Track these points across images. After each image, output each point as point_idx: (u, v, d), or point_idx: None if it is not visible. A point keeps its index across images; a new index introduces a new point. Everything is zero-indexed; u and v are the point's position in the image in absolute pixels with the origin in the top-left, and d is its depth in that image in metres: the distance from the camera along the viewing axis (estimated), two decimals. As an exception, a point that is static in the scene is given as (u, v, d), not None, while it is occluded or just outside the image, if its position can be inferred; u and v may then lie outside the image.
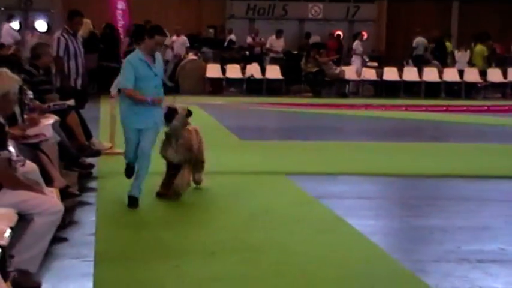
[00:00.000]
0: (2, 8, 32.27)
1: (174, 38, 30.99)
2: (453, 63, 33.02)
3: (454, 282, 7.76)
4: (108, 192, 11.55)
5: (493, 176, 13.89)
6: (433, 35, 33.55)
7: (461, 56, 32.64)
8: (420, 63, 32.48)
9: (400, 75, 32.21)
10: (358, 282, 7.65)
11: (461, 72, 32.19)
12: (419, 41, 33.65)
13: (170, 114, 10.78)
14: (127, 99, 10.47)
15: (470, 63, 32.50)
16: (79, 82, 14.75)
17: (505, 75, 32.30)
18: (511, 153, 16.77)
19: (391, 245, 9.27)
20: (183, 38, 31.69)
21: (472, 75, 32.28)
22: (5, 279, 5.20)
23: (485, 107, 27.29)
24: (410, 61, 33.40)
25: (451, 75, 32.25)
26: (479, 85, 32.47)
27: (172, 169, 11.06)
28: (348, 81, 32.19)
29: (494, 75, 32.38)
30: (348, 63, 32.85)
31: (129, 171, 10.79)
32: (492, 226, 10.43)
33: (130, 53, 11.82)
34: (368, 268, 8.19)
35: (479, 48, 32.72)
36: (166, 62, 30.27)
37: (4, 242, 5.93)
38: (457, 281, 7.80)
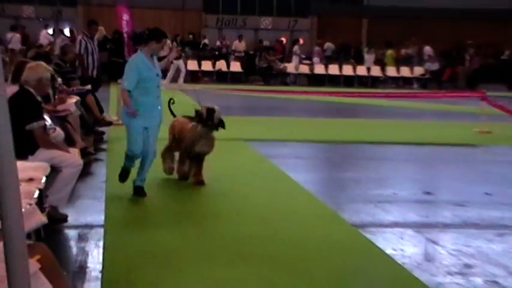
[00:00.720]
0: (41, 19, 31.92)
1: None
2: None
3: (361, 216, 7.94)
4: (115, 152, 11.46)
5: (389, 142, 14.05)
6: (339, 41, 33.76)
7: (369, 57, 32.84)
8: (340, 61, 32.79)
9: (326, 70, 32.32)
10: (295, 217, 7.71)
11: (368, 69, 32.42)
12: (328, 45, 33.83)
13: (210, 114, 8.81)
14: (132, 102, 8.05)
15: (376, 62, 32.75)
16: (95, 72, 14.74)
17: (398, 71, 32.53)
18: (400, 126, 17.08)
19: (319, 191, 9.33)
20: (168, 41, 31.53)
21: (376, 71, 32.53)
22: (42, 212, 5.19)
23: (384, 94, 27.39)
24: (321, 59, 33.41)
25: (362, 70, 32.45)
26: (381, 78, 32.71)
27: (199, 159, 9.05)
28: (289, 74, 32.27)
29: (391, 71, 32.63)
30: (289, 61, 32.85)
31: (125, 175, 8.49)
32: (388, 177, 10.67)
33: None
34: (302, 207, 8.29)
35: (391, 52, 32.97)
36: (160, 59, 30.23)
37: (41, 186, 5.96)
38: (363, 215, 8.00)
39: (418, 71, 32.57)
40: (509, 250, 6.84)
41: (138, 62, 7.93)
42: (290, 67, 32.36)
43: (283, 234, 7.03)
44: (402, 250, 6.63)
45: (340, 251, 6.58)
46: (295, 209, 8.14)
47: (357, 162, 12.36)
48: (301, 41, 34.02)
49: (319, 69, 32.44)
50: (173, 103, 9.73)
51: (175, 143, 9.36)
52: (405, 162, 12.32)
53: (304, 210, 8.20)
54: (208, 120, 8.79)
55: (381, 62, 32.91)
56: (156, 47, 8.11)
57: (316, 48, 33.66)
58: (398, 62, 32.98)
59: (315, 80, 31.99)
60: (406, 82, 32.42)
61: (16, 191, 2.37)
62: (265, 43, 34.19)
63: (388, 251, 6.54)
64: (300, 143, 13.76)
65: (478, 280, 5.91)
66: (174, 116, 9.70)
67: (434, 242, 7.02)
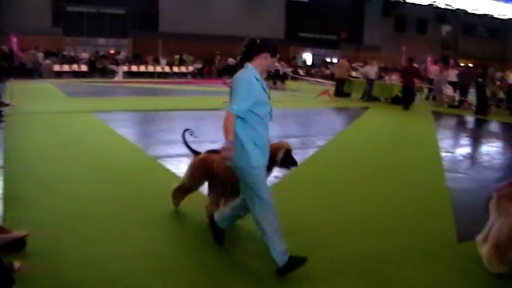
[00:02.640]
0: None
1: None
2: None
3: (158, 152, 7.73)
4: (11, 118, 10.23)
5: (174, 109, 13.88)
6: (144, 52, 31.98)
7: (163, 61, 31.71)
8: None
9: (138, 68, 30.61)
10: (119, 153, 7.41)
11: (163, 68, 31.39)
12: (123, 54, 31.70)
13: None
14: (249, 135, 3.35)
15: (167, 64, 31.76)
16: None
17: (179, 69, 31.88)
18: (181, 100, 16.72)
19: (134, 139, 9.07)
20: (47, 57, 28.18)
21: (167, 69, 31.32)
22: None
23: (172, 81, 26.81)
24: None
25: (159, 68, 31.16)
26: (170, 73, 31.82)
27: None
28: (116, 72, 30.09)
29: (176, 69, 31.81)
30: (118, 64, 30.72)
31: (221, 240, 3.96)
32: (173, 129, 10.24)
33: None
34: (122, 148, 7.96)
35: (177, 57, 31.89)
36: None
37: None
38: (159, 151, 7.76)
39: (190, 68, 32.40)
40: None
41: (250, 80, 3.28)
42: (116, 68, 30.18)
43: (113, 164, 6.74)
44: (180, 169, 6.68)
45: (147, 172, 6.48)
46: (119, 149, 7.85)
47: (157, 121, 11.98)
48: (122, 53, 32.22)
49: (134, 68, 30.83)
50: (191, 134, 5.11)
51: (211, 182, 4.63)
52: (184, 120, 12.18)
53: (124, 150, 7.90)
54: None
55: (169, 64, 32.09)
56: (270, 62, 3.39)
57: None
58: (180, 63, 32.55)
59: (132, 74, 30.43)
60: (183, 75, 32.10)
61: None
62: (101, 53, 31.95)
63: (173, 171, 6.55)
64: (124, 112, 13.13)
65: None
66: (197, 153, 4.93)
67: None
